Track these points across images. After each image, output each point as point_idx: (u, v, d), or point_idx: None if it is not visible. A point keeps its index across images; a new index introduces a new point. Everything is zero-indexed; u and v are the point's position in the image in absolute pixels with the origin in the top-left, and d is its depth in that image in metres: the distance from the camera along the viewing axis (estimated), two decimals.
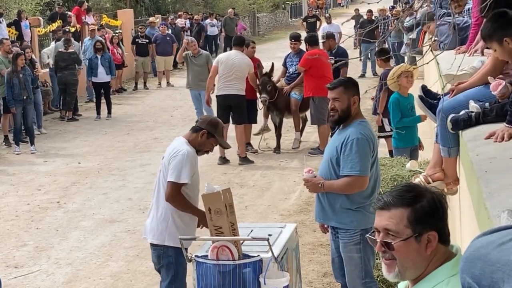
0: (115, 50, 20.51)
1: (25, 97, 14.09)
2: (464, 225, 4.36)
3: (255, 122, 13.36)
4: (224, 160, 12.69)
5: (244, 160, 12.65)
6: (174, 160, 5.82)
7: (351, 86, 5.63)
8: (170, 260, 5.87)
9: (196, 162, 6.00)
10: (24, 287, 7.61)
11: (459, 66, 4.40)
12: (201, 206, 5.73)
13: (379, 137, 10.16)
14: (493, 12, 4.25)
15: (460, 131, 4.39)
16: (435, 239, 2.51)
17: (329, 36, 14.40)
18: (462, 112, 4.34)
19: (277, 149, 13.38)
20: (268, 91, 12.88)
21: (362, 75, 21.55)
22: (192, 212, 5.93)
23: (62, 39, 18.02)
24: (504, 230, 1.60)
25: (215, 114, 12.62)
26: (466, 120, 4.30)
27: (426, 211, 2.52)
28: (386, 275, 2.63)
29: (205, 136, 5.90)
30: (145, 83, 22.59)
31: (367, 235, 2.74)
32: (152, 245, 6.02)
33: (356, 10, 28.49)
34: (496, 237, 1.57)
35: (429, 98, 5.27)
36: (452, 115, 4.41)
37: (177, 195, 5.84)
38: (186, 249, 5.74)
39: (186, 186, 5.89)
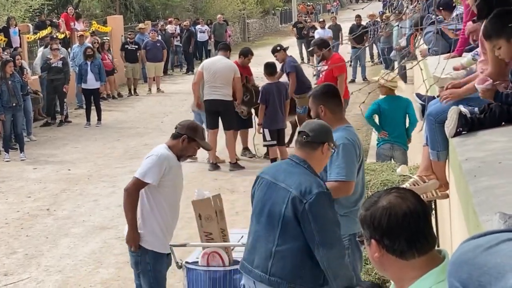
0: (106, 56, 20.48)
1: (14, 104, 14.05)
2: (454, 230, 4.36)
3: (251, 126, 13.27)
4: (214, 166, 12.67)
5: (235, 166, 12.64)
6: (146, 160, 5.83)
7: (319, 95, 5.55)
8: (147, 267, 5.82)
9: (177, 167, 5.94)
10: None
11: (443, 69, 4.40)
12: (188, 212, 5.71)
13: None
14: (496, 10, 4.21)
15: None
16: (376, 248, 2.47)
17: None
18: (451, 109, 4.32)
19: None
20: (245, 102, 12.74)
21: (352, 81, 21.60)
22: (130, 219, 5.82)
23: (49, 46, 17.98)
24: (491, 234, 1.60)
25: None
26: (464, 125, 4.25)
27: (368, 219, 2.49)
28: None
29: (186, 141, 5.87)
30: (135, 89, 22.56)
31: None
32: (130, 249, 5.96)
33: (333, 18, 28.37)
34: (484, 241, 1.57)
35: (420, 101, 5.29)
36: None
37: (134, 192, 5.79)
38: (173, 254, 5.71)
39: (167, 191, 5.82)
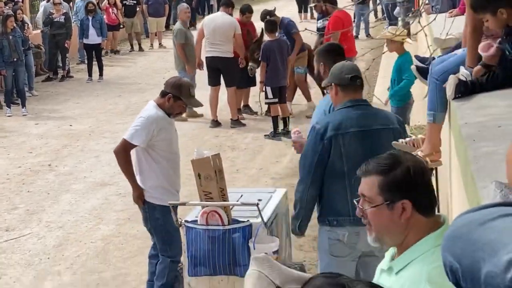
0: (110, 10, 20.32)
1: (15, 59, 13.99)
2: (453, 195, 4.35)
3: (253, 85, 13.18)
4: (216, 123, 12.65)
5: (236, 123, 12.61)
6: (136, 121, 5.83)
7: (321, 53, 5.60)
8: (158, 222, 5.87)
9: (170, 125, 5.95)
10: (15, 250, 7.63)
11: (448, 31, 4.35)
12: (188, 169, 5.71)
13: None
14: None
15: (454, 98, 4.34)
16: (409, 208, 2.54)
17: None
18: (450, 77, 4.28)
19: (269, 111, 13.25)
20: (255, 59, 12.62)
21: (356, 37, 21.41)
22: (128, 179, 5.93)
23: (51, 0, 17.83)
24: (487, 208, 1.58)
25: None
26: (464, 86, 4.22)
27: (398, 180, 2.55)
28: (368, 239, 2.69)
29: (172, 100, 5.85)
30: (139, 44, 22.42)
31: (355, 199, 2.77)
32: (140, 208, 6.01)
33: None
34: (479, 216, 1.56)
35: (424, 64, 5.24)
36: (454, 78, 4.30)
37: (123, 153, 5.87)
38: (175, 212, 5.73)
39: (162, 149, 5.85)
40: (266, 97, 11.86)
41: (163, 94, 5.91)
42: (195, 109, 12.20)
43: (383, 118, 4.84)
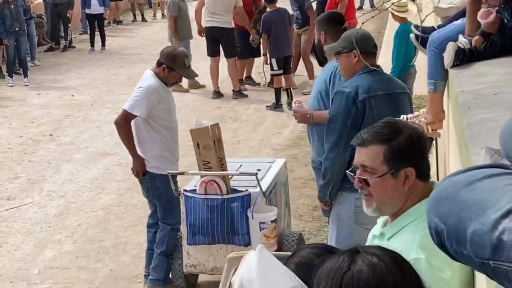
0: None
1: (17, 29, 13.95)
2: (451, 165, 4.35)
3: (257, 56, 13.12)
4: (217, 94, 12.62)
5: (238, 94, 12.57)
6: (136, 91, 5.80)
7: (321, 21, 5.62)
8: (159, 191, 5.87)
9: (167, 94, 5.92)
10: (16, 219, 7.66)
11: None
12: (189, 140, 5.71)
13: None
14: None
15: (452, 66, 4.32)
16: (412, 175, 2.55)
17: None
18: (449, 44, 4.26)
19: (271, 83, 13.22)
20: (258, 30, 12.55)
21: (360, 7, 21.29)
22: (129, 149, 5.91)
23: None
24: (473, 170, 1.58)
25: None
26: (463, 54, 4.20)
27: (403, 148, 2.54)
28: (365, 210, 2.67)
29: (166, 71, 5.84)
30: (142, 15, 22.33)
31: (347, 171, 2.75)
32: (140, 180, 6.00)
33: None
34: (465, 177, 1.55)
35: (425, 33, 5.20)
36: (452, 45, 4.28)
37: (124, 124, 5.82)
38: (175, 182, 5.74)
39: (162, 118, 5.82)
40: (272, 69, 11.80)
41: (159, 64, 5.89)
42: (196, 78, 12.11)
43: (399, 83, 4.97)
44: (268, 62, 11.82)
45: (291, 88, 11.96)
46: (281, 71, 11.70)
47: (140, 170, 5.89)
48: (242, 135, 10.47)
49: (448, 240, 1.51)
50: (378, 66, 4.87)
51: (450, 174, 1.64)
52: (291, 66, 12.36)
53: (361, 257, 1.69)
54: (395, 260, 1.71)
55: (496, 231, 1.39)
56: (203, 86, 12.90)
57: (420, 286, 1.73)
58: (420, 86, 9.82)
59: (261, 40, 12.36)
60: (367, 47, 4.77)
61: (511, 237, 1.37)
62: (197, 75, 6.30)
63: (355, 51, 4.73)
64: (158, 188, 5.88)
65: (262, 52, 12.16)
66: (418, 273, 1.75)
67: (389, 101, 4.64)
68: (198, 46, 13.46)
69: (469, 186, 1.51)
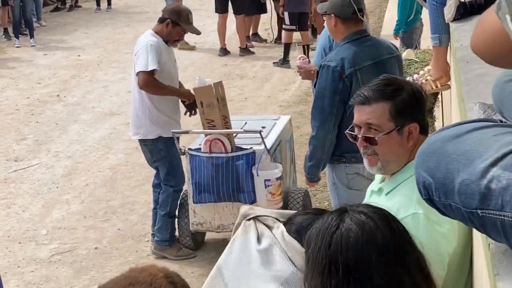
0: None
1: None
2: (453, 118, 4.32)
3: (264, 12, 13.03)
4: (224, 51, 12.57)
5: (245, 51, 12.52)
6: (138, 53, 5.72)
7: None
8: (161, 154, 5.86)
9: (167, 52, 5.84)
10: (24, 180, 7.70)
11: None
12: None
13: None
14: None
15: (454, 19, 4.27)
16: (416, 131, 2.56)
17: None
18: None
19: (278, 39, 13.15)
20: None
21: None
22: (170, 93, 5.82)
23: None
24: (461, 124, 1.57)
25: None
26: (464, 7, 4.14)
27: (407, 104, 2.55)
28: (369, 169, 2.66)
29: (170, 26, 5.78)
30: None
31: (346, 131, 2.73)
32: (141, 142, 5.99)
33: None
34: (454, 131, 1.54)
35: None
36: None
37: (150, 81, 5.64)
38: (178, 138, 5.73)
39: (162, 77, 5.73)
40: (284, 23, 11.63)
41: (162, 20, 5.85)
42: (191, 43, 12.01)
43: (387, 46, 4.76)
44: (283, 15, 11.63)
45: (308, 45, 11.78)
46: (294, 27, 11.51)
47: (189, 97, 5.83)
48: (249, 92, 10.44)
49: (436, 194, 1.51)
50: (364, 31, 4.68)
51: (439, 130, 1.63)
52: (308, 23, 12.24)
53: (349, 216, 1.69)
54: (384, 217, 1.71)
55: (485, 180, 1.39)
56: (193, 48, 12.79)
57: (410, 242, 1.72)
58: (427, 40, 9.75)
59: None
60: (344, 12, 4.57)
61: (500, 185, 1.37)
62: (200, 32, 6.24)
63: (332, 14, 4.64)
64: (160, 151, 5.85)
65: (280, 3, 11.85)
66: (407, 229, 1.75)
67: (376, 70, 4.42)
68: (204, 3, 13.38)
69: (457, 138, 1.51)
